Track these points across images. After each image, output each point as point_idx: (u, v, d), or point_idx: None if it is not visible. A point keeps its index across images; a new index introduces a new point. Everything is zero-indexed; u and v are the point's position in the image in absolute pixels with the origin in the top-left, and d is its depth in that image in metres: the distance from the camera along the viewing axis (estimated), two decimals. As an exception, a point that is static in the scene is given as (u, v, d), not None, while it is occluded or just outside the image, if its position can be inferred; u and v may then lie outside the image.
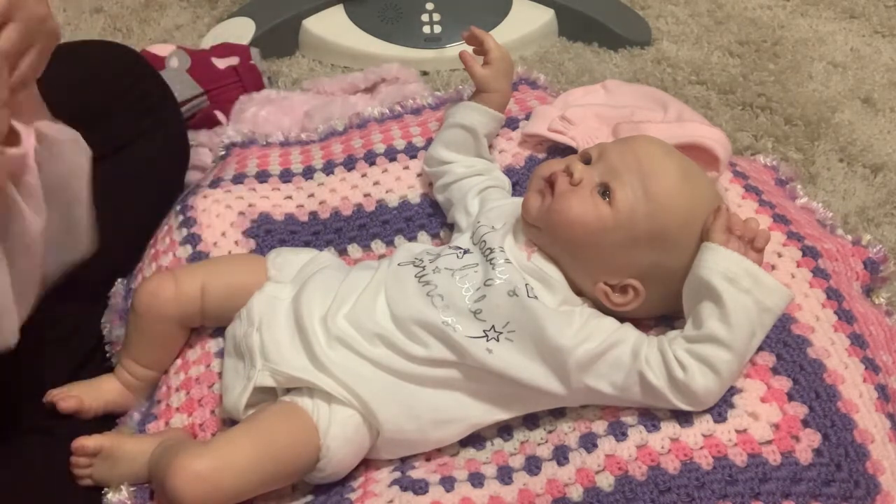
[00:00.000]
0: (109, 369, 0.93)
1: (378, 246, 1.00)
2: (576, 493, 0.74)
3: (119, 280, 0.98)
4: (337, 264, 0.92)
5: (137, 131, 1.05)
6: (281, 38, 1.54)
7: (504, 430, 0.84)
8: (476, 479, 0.77)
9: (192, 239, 0.97)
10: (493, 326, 0.79)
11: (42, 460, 0.82)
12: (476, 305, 0.80)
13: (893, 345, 0.89)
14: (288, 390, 0.81)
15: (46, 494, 0.80)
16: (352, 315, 0.82)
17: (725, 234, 0.77)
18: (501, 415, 0.81)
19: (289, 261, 0.91)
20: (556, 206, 0.80)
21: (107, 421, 0.89)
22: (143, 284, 0.91)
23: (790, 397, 0.76)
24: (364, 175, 1.05)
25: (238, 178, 1.05)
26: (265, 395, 0.82)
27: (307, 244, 0.99)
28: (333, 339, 0.80)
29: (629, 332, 0.79)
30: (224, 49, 1.42)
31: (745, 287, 0.75)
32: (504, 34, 1.47)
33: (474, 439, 0.83)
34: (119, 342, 0.93)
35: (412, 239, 1.00)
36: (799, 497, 0.71)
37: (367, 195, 1.04)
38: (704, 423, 0.75)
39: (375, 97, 1.36)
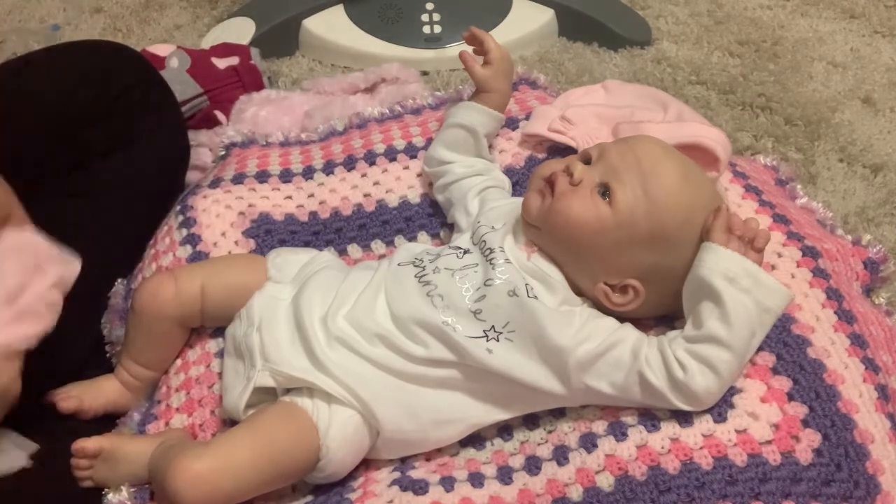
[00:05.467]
0: (110, 369, 0.93)
1: (378, 246, 1.00)
2: (576, 492, 0.74)
3: (119, 280, 0.98)
4: (337, 264, 0.92)
5: (138, 131, 1.05)
6: (281, 38, 1.54)
7: (504, 430, 0.84)
8: (476, 479, 0.77)
9: (192, 239, 0.97)
10: (493, 326, 0.79)
11: (43, 461, 0.81)
12: (476, 305, 0.80)
13: (893, 345, 0.89)
14: (288, 390, 0.81)
15: (47, 495, 0.80)
16: (352, 315, 0.82)
17: (725, 234, 0.77)
18: (501, 415, 0.81)
19: (288, 261, 0.91)
20: (556, 206, 0.80)
21: (107, 421, 0.89)
22: (142, 285, 0.91)
23: (790, 397, 0.76)
24: (364, 175, 1.05)
25: (238, 178, 1.05)
26: (265, 396, 0.81)
27: (307, 244, 0.99)
28: (333, 340, 0.80)
29: (629, 332, 0.79)
30: (224, 49, 1.42)
31: (745, 287, 0.75)
32: (504, 34, 1.47)
33: (474, 439, 0.83)
34: (119, 342, 0.93)
35: (412, 239, 1.00)
36: (799, 497, 0.71)
37: (367, 195, 1.04)
38: (704, 423, 0.75)
39: (375, 97, 1.36)
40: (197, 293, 0.88)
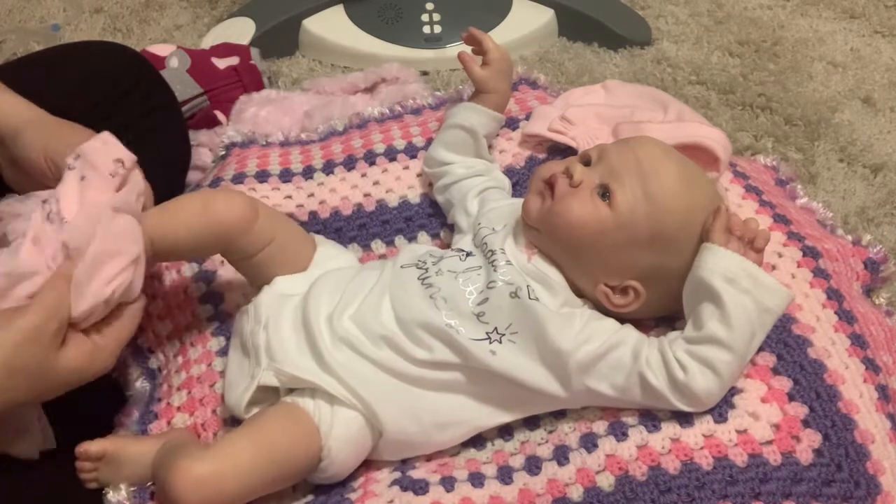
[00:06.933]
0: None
1: (378, 246, 1.00)
2: (576, 492, 0.74)
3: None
4: (352, 265, 0.91)
5: (138, 131, 1.05)
6: (281, 38, 1.54)
7: (504, 430, 0.84)
8: (476, 479, 0.77)
9: (193, 239, 0.97)
10: (495, 328, 0.79)
11: (46, 462, 0.81)
12: (479, 308, 0.80)
13: (894, 345, 0.89)
14: (290, 390, 0.81)
15: (48, 496, 0.80)
16: (357, 316, 0.81)
17: (725, 234, 0.77)
18: (503, 417, 0.81)
19: (330, 256, 0.90)
20: (556, 208, 0.80)
21: (106, 419, 0.89)
22: (227, 194, 0.88)
23: (790, 397, 0.76)
24: (364, 175, 1.05)
25: (238, 178, 1.05)
26: (268, 394, 0.81)
27: (307, 244, 0.99)
28: (338, 340, 0.80)
29: (630, 333, 0.79)
30: (224, 49, 1.42)
31: (745, 288, 0.75)
32: (504, 34, 1.47)
33: (475, 439, 0.83)
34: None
35: (412, 239, 1.00)
36: (799, 497, 0.71)
37: (366, 195, 1.04)
38: (705, 424, 0.75)
39: (375, 97, 1.36)
40: (267, 238, 0.84)
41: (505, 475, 0.77)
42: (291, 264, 0.87)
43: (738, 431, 0.74)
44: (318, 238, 0.92)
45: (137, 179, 0.77)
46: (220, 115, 1.33)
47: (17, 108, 0.84)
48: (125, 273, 0.73)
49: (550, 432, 0.81)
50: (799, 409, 0.75)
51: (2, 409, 0.68)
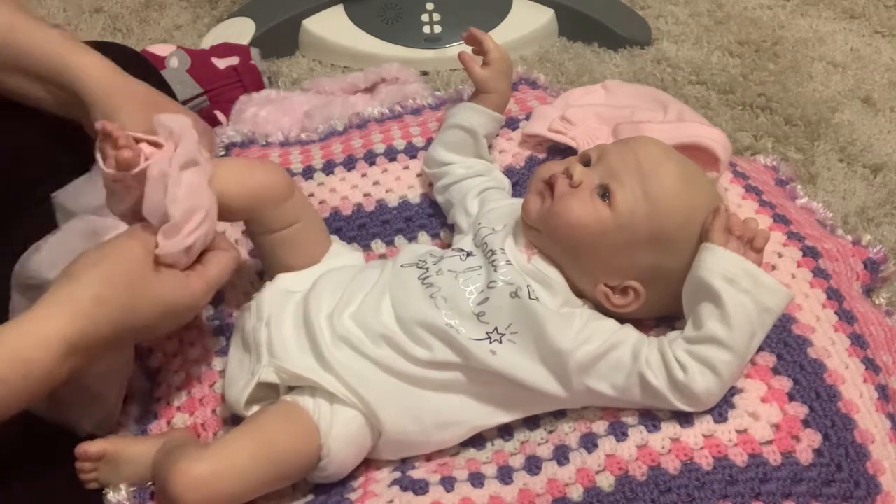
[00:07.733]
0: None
1: (378, 246, 1.00)
2: (576, 492, 0.74)
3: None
4: (357, 264, 0.92)
5: (138, 131, 1.05)
6: (281, 38, 1.54)
7: (504, 430, 0.84)
8: (476, 479, 0.77)
9: (193, 239, 0.97)
10: (496, 328, 0.79)
11: (46, 463, 0.81)
12: (479, 308, 0.80)
13: (894, 345, 0.89)
14: (290, 388, 0.81)
15: (48, 496, 0.80)
16: (358, 315, 0.81)
17: (724, 234, 0.77)
18: (503, 417, 0.81)
19: (334, 251, 0.91)
20: (556, 208, 0.80)
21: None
22: (267, 163, 0.93)
23: (790, 397, 0.76)
24: (364, 175, 1.05)
25: (238, 178, 1.05)
26: (268, 391, 0.81)
27: (307, 243, 0.99)
28: (338, 339, 0.80)
29: (629, 333, 0.79)
30: (224, 49, 1.42)
31: (745, 288, 0.75)
32: (504, 34, 1.47)
33: (474, 439, 0.83)
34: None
35: (412, 239, 1.00)
36: (799, 497, 0.71)
37: (366, 195, 1.04)
38: (705, 424, 0.75)
39: (375, 97, 1.36)
40: (295, 217, 0.87)
41: (505, 475, 0.77)
42: (307, 252, 0.88)
43: (738, 431, 0.74)
44: (333, 237, 0.93)
45: (191, 135, 0.79)
46: (220, 115, 1.33)
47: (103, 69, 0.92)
48: (203, 225, 0.77)
49: (550, 432, 0.81)
50: (799, 409, 0.75)
51: (108, 330, 0.72)
